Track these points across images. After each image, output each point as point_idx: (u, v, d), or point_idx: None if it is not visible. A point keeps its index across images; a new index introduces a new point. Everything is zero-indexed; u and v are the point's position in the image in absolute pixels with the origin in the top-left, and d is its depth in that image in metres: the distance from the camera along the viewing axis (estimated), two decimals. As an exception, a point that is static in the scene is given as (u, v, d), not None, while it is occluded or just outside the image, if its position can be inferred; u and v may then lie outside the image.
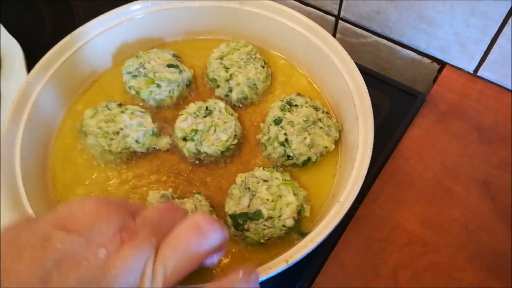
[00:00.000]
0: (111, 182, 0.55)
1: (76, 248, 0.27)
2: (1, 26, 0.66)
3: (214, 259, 0.32)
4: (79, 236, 0.27)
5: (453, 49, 0.67)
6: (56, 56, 0.57)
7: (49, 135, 0.57)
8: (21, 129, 0.51)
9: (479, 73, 0.67)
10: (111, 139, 0.53)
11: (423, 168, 0.59)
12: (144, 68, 0.59)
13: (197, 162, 0.56)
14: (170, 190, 0.52)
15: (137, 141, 0.54)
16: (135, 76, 0.59)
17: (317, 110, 0.56)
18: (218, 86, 0.61)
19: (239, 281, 0.30)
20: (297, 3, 0.75)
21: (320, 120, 0.55)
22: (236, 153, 0.57)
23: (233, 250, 0.50)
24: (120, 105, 0.57)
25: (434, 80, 0.72)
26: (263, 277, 0.41)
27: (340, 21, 0.74)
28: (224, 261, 0.50)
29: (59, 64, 0.57)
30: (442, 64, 0.70)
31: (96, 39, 0.60)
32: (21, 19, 0.72)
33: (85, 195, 0.53)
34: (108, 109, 0.56)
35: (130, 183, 0.55)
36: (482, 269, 0.52)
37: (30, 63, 0.64)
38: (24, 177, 0.48)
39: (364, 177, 0.47)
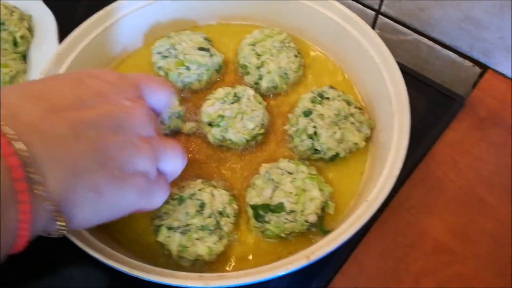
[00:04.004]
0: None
1: (108, 91, 0.36)
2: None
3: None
4: (111, 84, 0.37)
5: (497, 53, 0.63)
6: (87, 31, 0.56)
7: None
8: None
9: (523, 80, 0.64)
10: (137, 118, 0.52)
11: (456, 175, 0.56)
12: (175, 49, 0.58)
13: (220, 148, 0.55)
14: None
15: (162, 123, 0.53)
16: (165, 56, 0.58)
17: (349, 105, 0.54)
18: (248, 73, 0.59)
19: None
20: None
21: (352, 115, 0.53)
22: (261, 142, 0.55)
23: (251, 241, 0.49)
24: (148, 84, 0.56)
25: (474, 84, 0.69)
26: (282, 272, 0.39)
27: (380, 16, 0.71)
28: (240, 252, 0.48)
29: (90, 39, 0.56)
30: (484, 68, 0.66)
31: (128, 16, 0.59)
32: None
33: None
34: (136, 87, 0.55)
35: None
36: (511, 285, 0.49)
37: (61, 36, 0.64)
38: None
39: (396, 178, 0.44)
